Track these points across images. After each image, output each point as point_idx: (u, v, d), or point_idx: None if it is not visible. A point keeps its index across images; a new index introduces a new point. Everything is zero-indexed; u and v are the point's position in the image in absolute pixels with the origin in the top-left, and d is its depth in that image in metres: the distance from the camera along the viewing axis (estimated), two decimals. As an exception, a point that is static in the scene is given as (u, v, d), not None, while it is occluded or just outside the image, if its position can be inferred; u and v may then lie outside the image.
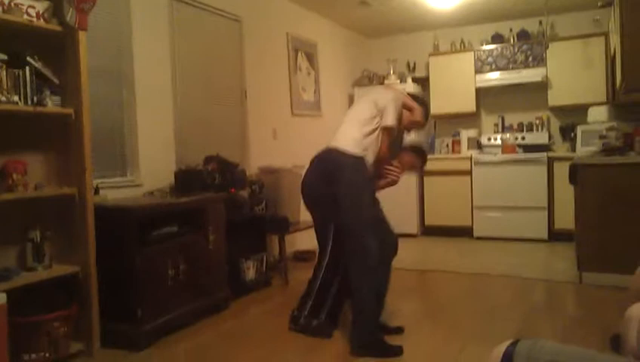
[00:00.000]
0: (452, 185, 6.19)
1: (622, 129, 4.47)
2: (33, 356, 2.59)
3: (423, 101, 3.26)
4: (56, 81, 2.83)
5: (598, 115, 5.38)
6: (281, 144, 5.19)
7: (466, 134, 6.44)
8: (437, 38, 6.68)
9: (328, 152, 2.99)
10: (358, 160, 2.89)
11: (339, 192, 2.84)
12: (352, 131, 2.97)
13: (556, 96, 5.91)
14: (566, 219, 5.36)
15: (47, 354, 2.62)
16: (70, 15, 2.78)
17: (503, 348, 1.16)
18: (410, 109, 3.11)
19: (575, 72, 5.77)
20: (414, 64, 6.82)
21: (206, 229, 3.44)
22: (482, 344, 2.75)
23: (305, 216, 3.85)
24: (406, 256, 5.23)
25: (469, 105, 6.37)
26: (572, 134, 5.81)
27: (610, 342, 2.74)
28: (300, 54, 5.64)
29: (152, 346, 2.94)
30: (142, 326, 2.92)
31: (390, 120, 2.96)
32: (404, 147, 3.34)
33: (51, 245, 2.83)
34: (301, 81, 5.66)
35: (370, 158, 2.94)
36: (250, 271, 4.03)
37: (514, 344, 1.15)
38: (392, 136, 3.06)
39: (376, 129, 2.96)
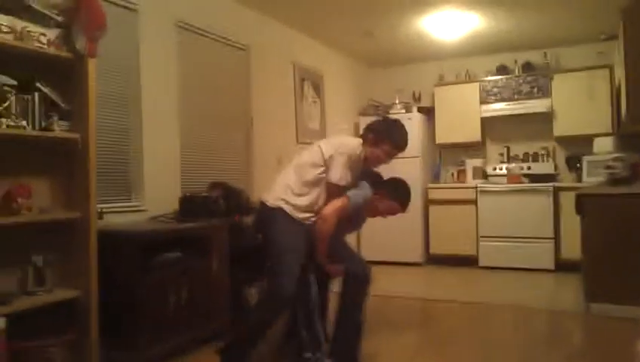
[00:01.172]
0: (457, 214, 6.16)
1: (628, 159, 4.46)
2: (30, 383, 2.56)
3: (388, 134, 2.96)
4: (64, 106, 2.87)
5: (604, 145, 5.38)
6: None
7: (471, 164, 6.45)
8: (442, 68, 6.75)
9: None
10: (272, 211, 2.81)
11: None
12: (286, 178, 2.92)
13: (561, 127, 5.93)
14: (573, 249, 5.30)
15: (44, 381, 2.59)
16: (80, 43, 2.83)
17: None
18: (371, 151, 2.95)
19: (580, 103, 5.80)
20: (420, 94, 6.87)
21: (210, 255, 3.43)
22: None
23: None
24: (410, 284, 5.18)
25: (474, 134, 6.39)
26: (578, 165, 5.80)
27: None
28: (306, 83, 5.70)
29: (152, 374, 2.90)
30: (142, 353, 2.88)
31: (334, 176, 2.81)
32: (381, 190, 3.03)
33: (53, 269, 2.82)
34: (307, 109, 5.71)
35: (305, 202, 2.83)
36: (254, 298, 3.99)
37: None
38: (338, 193, 2.85)
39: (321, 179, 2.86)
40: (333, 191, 2.84)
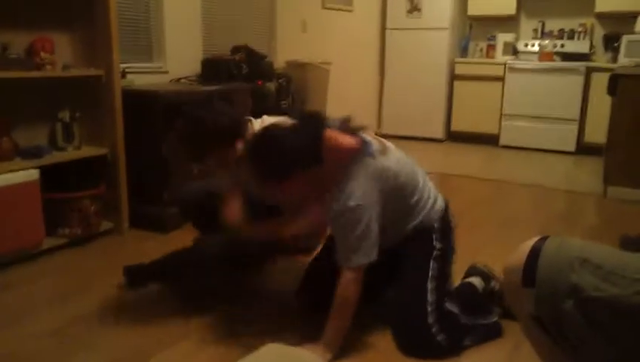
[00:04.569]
0: (482, 91, 6.01)
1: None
2: (67, 230, 2.71)
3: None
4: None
5: (648, 23, 5.05)
6: (310, 38, 5.02)
7: (502, 38, 6.15)
8: None
9: None
10: None
11: None
12: None
13: (605, 1, 5.52)
14: (596, 133, 5.23)
15: (79, 230, 2.74)
16: None
17: (531, 243, 1.15)
18: None
19: (629, -26, 5.35)
20: (455, -41, 6.37)
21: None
22: (499, 247, 2.79)
23: (330, 111, 3.80)
24: (430, 159, 5.23)
25: (508, 6, 6.02)
26: (616, 44, 5.50)
27: (620, 241, 2.77)
28: (334, -58, 5.29)
29: (177, 229, 3.04)
30: (167, 209, 3.00)
31: None
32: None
33: (80, 127, 2.86)
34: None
35: None
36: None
37: (542, 239, 1.15)
38: None
39: None
40: None
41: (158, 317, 2.05)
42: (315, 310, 1.91)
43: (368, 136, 1.82)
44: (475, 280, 2.06)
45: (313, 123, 1.77)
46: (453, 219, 2.04)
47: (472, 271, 2.14)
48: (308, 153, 1.69)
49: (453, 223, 2.02)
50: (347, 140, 1.74)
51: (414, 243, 1.92)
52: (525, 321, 1.22)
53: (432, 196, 1.97)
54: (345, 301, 1.74)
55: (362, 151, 1.75)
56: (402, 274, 1.91)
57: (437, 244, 1.91)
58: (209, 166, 2.06)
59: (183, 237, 2.96)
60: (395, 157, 1.86)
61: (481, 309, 1.96)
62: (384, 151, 1.83)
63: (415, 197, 1.90)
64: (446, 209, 2.01)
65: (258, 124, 2.06)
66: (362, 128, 1.82)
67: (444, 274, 1.92)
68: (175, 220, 3.04)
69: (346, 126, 1.79)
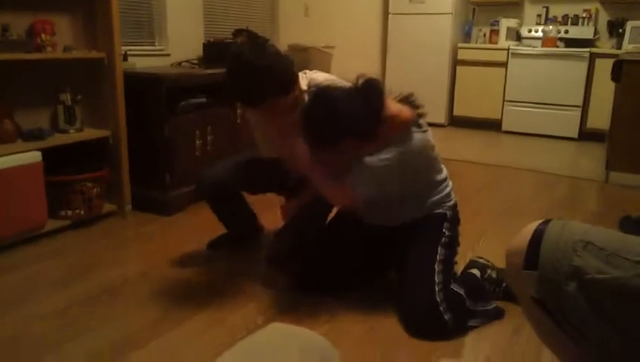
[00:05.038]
0: (485, 76, 5.98)
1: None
2: (69, 212, 2.72)
3: None
4: None
5: (653, 9, 5.01)
6: (313, 22, 4.99)
7: (505, 24, 6.10)
8: None
9: None
10: None
11: None
12: None
13: (610, -14, 5.48)
14: (599, 119, 5.21)
15: (81, 212, 2.75)
16: None
17: (533, 226, 1.15)
18: None
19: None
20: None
21: (234, 103, 3.42)
22: (501, 232, 2.80)
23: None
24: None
25: (513, -9, 5.97)
26: (620, 30, 5.46)
27: (620, 223, 2.77)
28: None
29: (179, 212, 3.05)
30: (170, 192, 3.01)
31: None
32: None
33: (82, 109, 2.86)
34: (336, -46, 5.31)
35: None
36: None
37: (545, 223, 1.15)
38: None
39: None
40: None
41: (161, 297, 2.06)
42: (315, 288, 2.00)
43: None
44: (474, 271, 2.09)
45: (375, 91, 1.77)
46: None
47: (471, 264, 2.16)
48: (365, 121, 1.70)
49: (458, 216, 2.08)
50: (405, 111, 1.79)
51: (424, 227, 1.97)
52: (527, 304, 1.23)
53: (450, 184, 2.06)
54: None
55: (415, 123, 1.83)
56: (411, 255, 1.95)
57: (446, 231, 1.96)
58: (263, 112, 2.03)
59: (186, 219, 2.98)
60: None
61: (482, 295, 1.98)
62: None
63: (442, 175, 2.01)
64: (455, 204, 2.06)
65: (304, 78, 2.06)
66: (420, 106, 1.88)
67: (450, 261, 1.96)
68: (177, 202, 3.05)
69: (405, 99, 1.87)
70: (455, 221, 2.03)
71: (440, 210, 1.99)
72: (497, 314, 1.95)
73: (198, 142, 3.14)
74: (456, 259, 2.05)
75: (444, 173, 2.04)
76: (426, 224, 1.97)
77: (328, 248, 2.07)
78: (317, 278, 2.06)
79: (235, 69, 1.94)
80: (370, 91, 1.76)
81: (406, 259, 1.95)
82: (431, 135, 1.91)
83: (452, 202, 2.04)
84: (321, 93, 1.79)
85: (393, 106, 1.79)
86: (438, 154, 2.00)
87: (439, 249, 1.92)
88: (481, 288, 2.02)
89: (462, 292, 1.89)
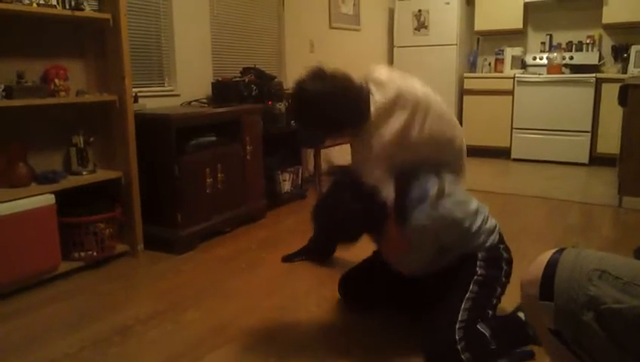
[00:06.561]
0: (492, 105, 6.01)
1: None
2: (82, 254, 2.73)
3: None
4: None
5: (656, 33, 5.04)
6: (318, 57, 5.07)
7: (510, 52, 6.16)
8: (486, -53, 6.24)
9: None
10: None
11: None
12: None
13: (612, 13, 5.51)
14: (609, 143, 5.20)
15: (94, 253, 2.76)
16: None
17: (547, 255, 1.14)
18: None
19: (635, -15, 5.35)
20: (460, -24, 6.43)
21: (243, 140, 3.46)
22: (515, 261, 2.76)
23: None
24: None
25: (515, 21, 6.04)
26: (625, 54, 5.49)
27: (635, 252, 2.73)
28: (339, -37, 5.37)
29: (191, 250, 3.05)
30: (181, 230, 3.02)
31: None
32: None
33: (94, 151, 2.90)
34: (340, -8, 5.43)
35: None
36: (286, 184, 4.08)
37: (559, 252, 1.14)
38: None
39: None
40: None
41: (172, 337, 2.05)
42: (355, 299, 2.31)
43: None
44: (521, 314, 2.03)
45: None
46: (508, 253, 2.06)
47: (520, 307, 2.11)
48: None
49: (507, 256, 2.05)
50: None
51: (458, 268, 1.96)
52: (545, 336, 1.21)
53: (484, 231, 2.04)
54: None
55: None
56: (440, 295, 1.94)
57: (479, 270, 1.93)
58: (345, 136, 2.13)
59: (197, 258, 2.98)
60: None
61: (516, 338, 1.94)
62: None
63: (476, 225, 2.02)
64: (494, 245, 2.02)
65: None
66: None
67: (482, 301, 1.90)
68: (188, 241, 3.06)
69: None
70: (492, 261, 1.98)
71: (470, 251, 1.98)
72: (524, 356, 1.90)
73: (208, 180, 3.17)
74: (501, 298, 1.99)
75: (478, 222, 2.01)
76: (459, 266, 1.96)
77: (366, 269, 2.30)
78: (354, 291, 2.29)
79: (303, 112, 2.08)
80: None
81: (436, 300, 1.95)
82: (459, 191, 2.12)
83: (489, 244, 2.00)
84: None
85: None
86: (470, 209, 2.06)
87: (471, 286, 1.89)
88: (518, 331, 1.96)
89: (486, 333, 1.84)
